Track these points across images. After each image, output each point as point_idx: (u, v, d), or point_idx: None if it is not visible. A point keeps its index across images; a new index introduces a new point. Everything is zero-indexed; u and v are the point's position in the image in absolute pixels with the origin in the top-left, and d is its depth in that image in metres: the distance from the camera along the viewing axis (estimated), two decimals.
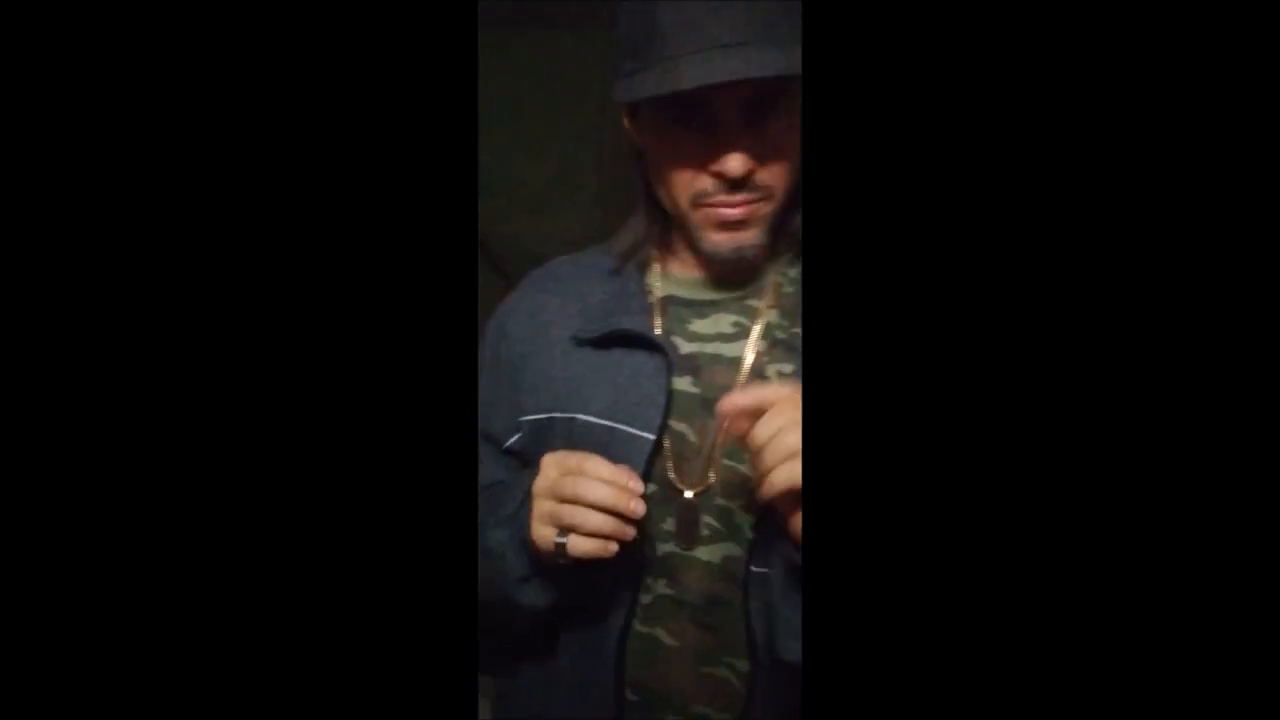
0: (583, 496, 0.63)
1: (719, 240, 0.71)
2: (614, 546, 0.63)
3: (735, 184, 0.68)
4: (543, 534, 0.65)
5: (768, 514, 0.67)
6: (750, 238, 0.71)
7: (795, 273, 0.75)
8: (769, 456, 0.60)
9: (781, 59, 0.64)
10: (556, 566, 0.67)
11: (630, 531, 0.64)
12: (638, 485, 0.63)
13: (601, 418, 0.71)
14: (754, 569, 0.69)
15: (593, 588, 0.71)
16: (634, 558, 0.69)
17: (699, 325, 0.74)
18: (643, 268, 0.77)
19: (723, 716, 0.71)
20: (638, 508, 0.63)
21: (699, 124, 0.67)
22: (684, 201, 0.71)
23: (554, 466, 0.66)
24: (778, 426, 0.60)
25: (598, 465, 0.64)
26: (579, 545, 0.63)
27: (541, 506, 0.66)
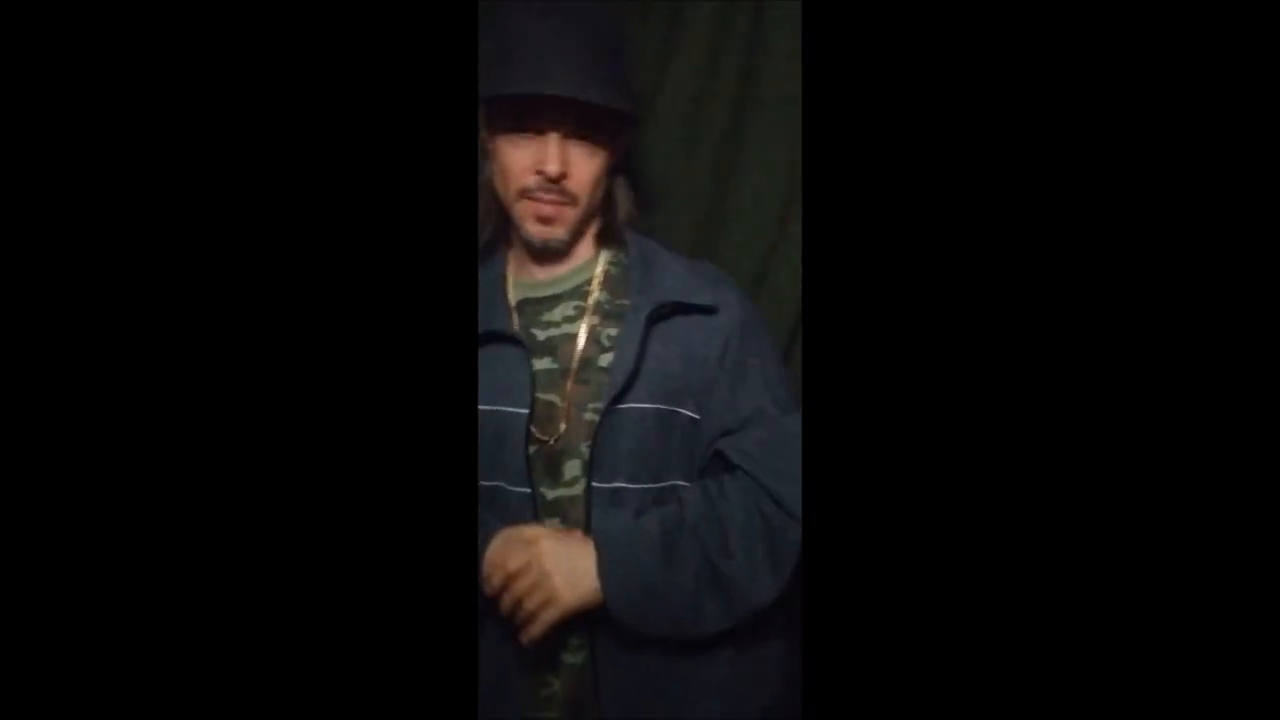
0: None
1: (534, 230, 0.93)
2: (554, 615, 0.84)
3: (551, 183, 0.90)
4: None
5: (599, 442, 0.89)
6: (557, 233, 0.93)
7: (617, 259, 0.98)
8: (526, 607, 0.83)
9: (601, 94, 0.87)
10: None
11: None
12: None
13: (489, 404, 0.92)
14: (595, 485, 0.90)
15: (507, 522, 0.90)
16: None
17: (548, 315, 0.96)
18: (501, 280, 0.99)
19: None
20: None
21: (533, 132, 0.90)
22: (513, 193, 0.92)
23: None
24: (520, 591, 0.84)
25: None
26: (534, 633, 0.85)
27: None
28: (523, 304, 0.96)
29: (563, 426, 0.91)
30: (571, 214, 0.92)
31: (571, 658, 0.90)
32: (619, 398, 0.89)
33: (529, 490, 0.89)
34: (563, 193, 0.91)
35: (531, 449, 0.91)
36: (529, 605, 0.83)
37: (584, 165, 0.91)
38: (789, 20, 1.08)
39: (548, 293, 0.96)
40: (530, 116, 0.89)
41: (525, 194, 0.91)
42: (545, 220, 0.92)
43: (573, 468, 0.91)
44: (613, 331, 0.93)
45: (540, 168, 0.89)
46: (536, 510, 0.89)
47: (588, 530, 0.88)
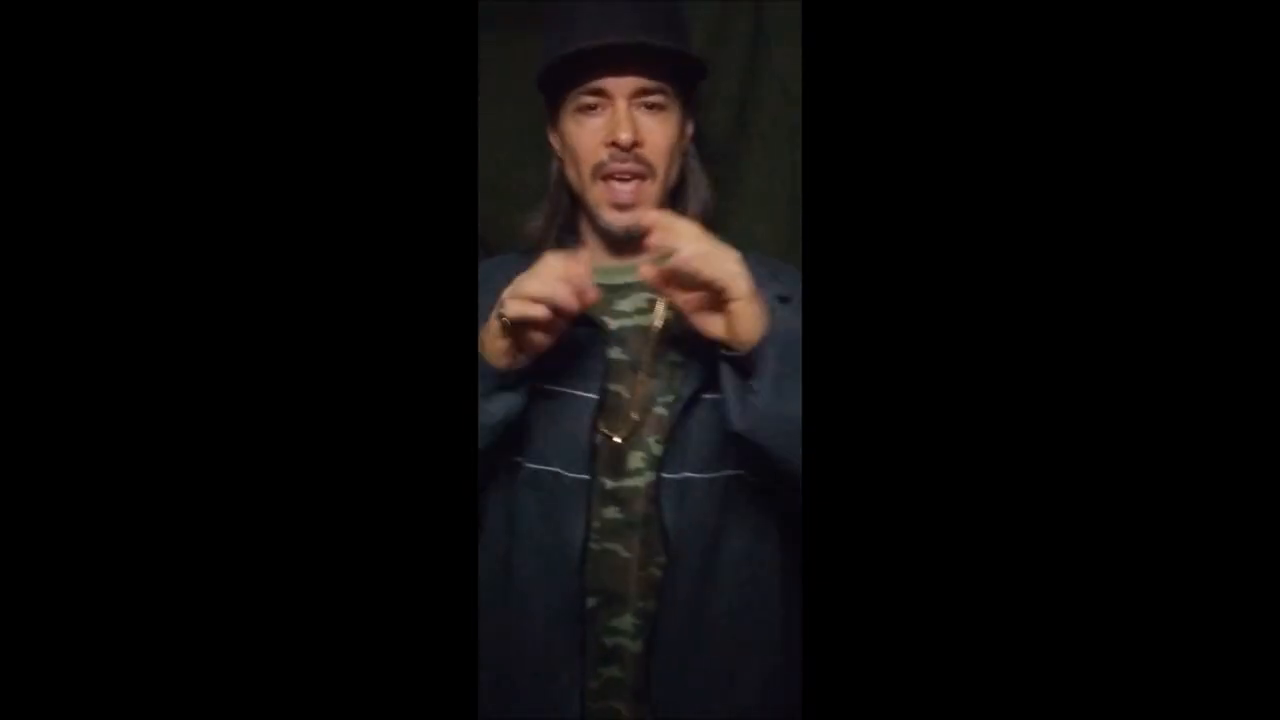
0: (523, 292, 0.78)
1: (612, 218, 0.89)
2: (539, 309, 0.76)
3: (625, 153, 0.86)
4: (492, 325, 0.80)
5: (675, 437, 0.86)
6: (635, 217, 0.87)
7: None
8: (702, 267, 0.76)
9: (666, 37, 0.84)
10: (510, 370, 0.82)
11: (563, 303, 0.77)
12: (577, 272, 0.78)
13: (553, 384, 0.87)
14: (665, 475, 0.86)
15: (554, 508, 0.87)
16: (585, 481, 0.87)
17: (621, 305, 0.92)
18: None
19: (649, 602, 0.89)
20: (569, 299, 0.77)
21: (600, 110, 0.87)
22: (587, 175, 0.88)
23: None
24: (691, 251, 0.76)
25: (548, 261, 0.79)
26: (511, 308, 0.77)
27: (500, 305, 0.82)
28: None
29: (635, 418, 0.88)
30: (650, 190, 0.88)
31: (630, 644, 0.88)
32: (698, 393, 0.86)
33: (588, 478, 0.86)
34: (639, 161, 0.87)
35: (597, 437, 0.87)
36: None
37: (657, 131, 0.87)
38: (789, 20, 1.08)
39: (620, 280, 0.92)
40: (593, 82, 0.85)
41: (600, 173, 0.87)
42: (623, 205, 0.88)
43: (635, 460, 0.88)
44: (686, 325, 0.87)
45: (612, 138, 0.85)
46: (591, 499, 0.87)
47: (657, 525, 0.86)
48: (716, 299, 0.78)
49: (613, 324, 0.91)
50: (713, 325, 0.80)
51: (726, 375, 0.81)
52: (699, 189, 0.95)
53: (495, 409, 0.83)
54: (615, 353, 0.90)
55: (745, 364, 0.79)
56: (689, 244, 0.76)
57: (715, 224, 0.93)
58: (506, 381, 0.83)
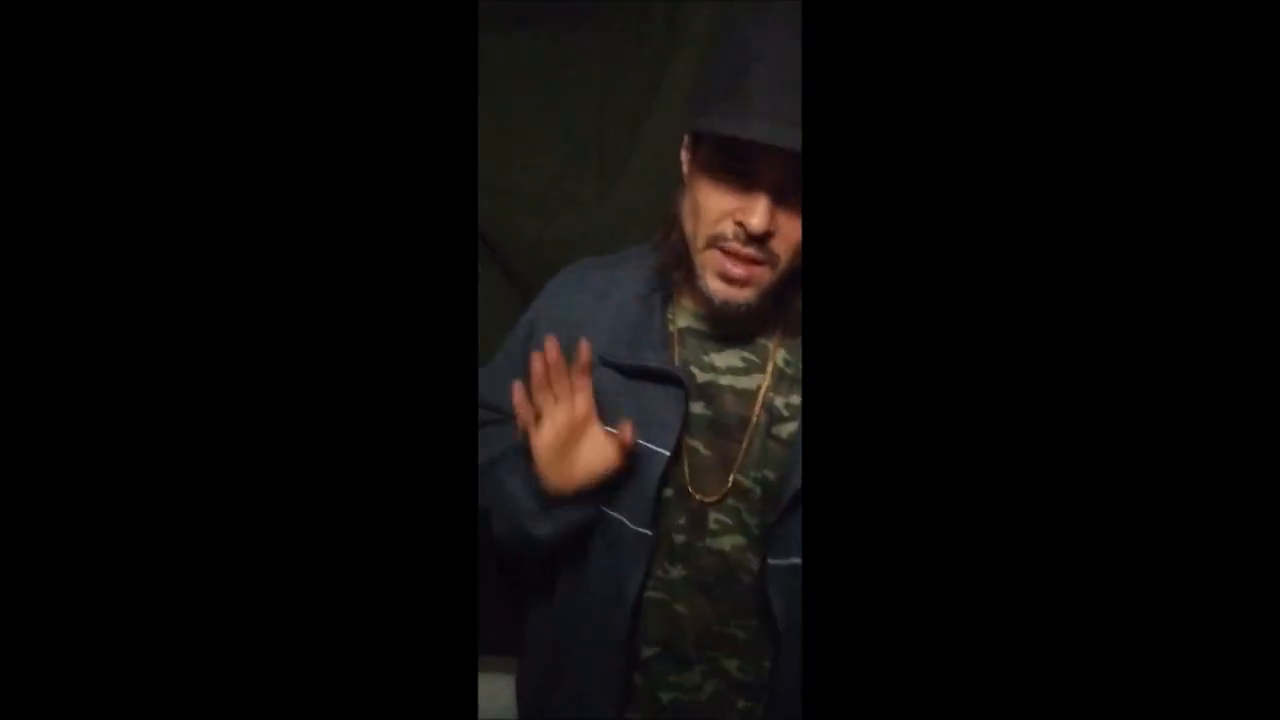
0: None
1: (717, 289, 0.80)
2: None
3: (751, 238, 0.77)
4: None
5: (775, 524, 0.81)
6: (745, 296, 0.80)
7: (795, 356, 0.86)
8: None
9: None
10: (562, 500, 0.82)
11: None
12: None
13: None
14: (771, 562, 0.81)
15: (615, 557, 0.85)
16: (645, 538, 0.84)
17: (714, 358, 0.85)
18: (667, 300, 0.87)
19: (731, 662, 0.86)
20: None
21: (744, 175, 0.77)
22: (702, 238, 0.80)
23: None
24: None
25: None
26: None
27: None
28: (686, 333, 0.86)
29: (727, 489, 0.83)
30: (767, 276, 0.79)
31: (691, 697, 0.86)
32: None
33: (650, 533, 0.82)
34: (763, 249, 0.78)
35: (668, 491, 0.84)
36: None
37: (791, 226, 0.77)
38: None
39: (721, 330, 0.85)
40: (741, 159, 0.76)
41: (716, 243, 0.78)
42: (733, 281, 0.79)
43: (712, 521, 0.84)
44: (796, 399, 0.84)
45: (741, 219, 0.76)
46: (655, 553, 0.84)
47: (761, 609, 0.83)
48: None
49: (700, 376, 0.85)
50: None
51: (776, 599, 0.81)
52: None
53: (538, 529, 0.84)
54: (699, 408, 0.84)
55: None
56: None
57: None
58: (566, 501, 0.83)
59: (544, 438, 0.80)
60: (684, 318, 0.87)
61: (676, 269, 0.86)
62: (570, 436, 0.81)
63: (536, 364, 0.79)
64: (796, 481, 0.80)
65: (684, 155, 0.84)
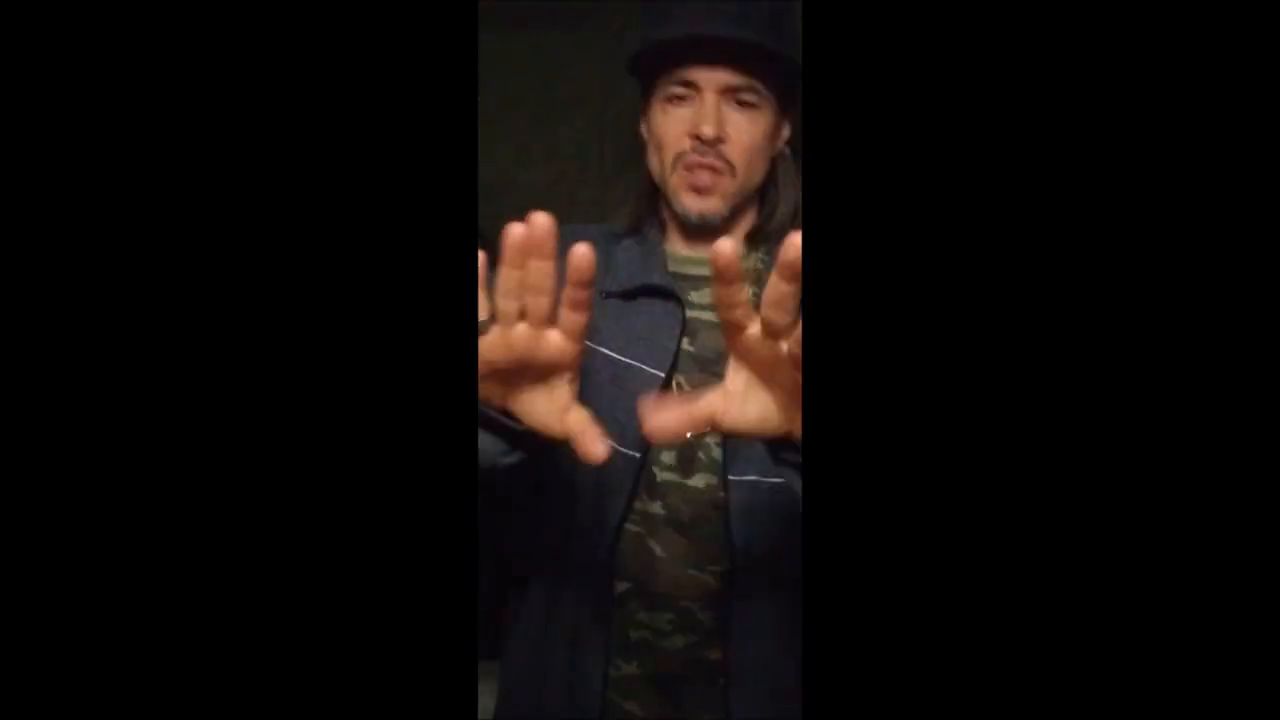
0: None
1: (689, 203, 0.87)
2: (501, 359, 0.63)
3: (707, 146, 0.84)
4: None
5: (737, 441, 0.83)
6: (711, 205, 0.87)
7: (770, 256, 0.91)
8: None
9: (760, 34, 0.81)
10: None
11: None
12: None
13: (620, 354, 0.86)
14: (731, 478, 0.83)
15: (602, 479, 0.84)
16: (628, 470, 0.84)
17: (695, 297, 0.90)
18: (659, 245, 0.93)
19: (706, 614, 0.86)
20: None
21: (687, 90, 0.85)
22: (669, 163, 0.87)
23: None
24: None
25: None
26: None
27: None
28: (674, 277, 0.91)
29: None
30: (729, 184, 0.86)
31: (663, 642, 0.86)
32: None
33: (638, 455, 0.83)
34: (719, 158, 0.85)
35: None
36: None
37: (743, 130, 0.85)
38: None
39: (695, 271, 0.91)
40: (684, 73, 0.84)
41: (680, 161, 0.86)
42: (700, 190, 0.86)
43: (701, 462, 0.86)
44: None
45: (695, 130, 0.84)
46: (637, 482, 0.84)
47: (721, 530, 0.84)
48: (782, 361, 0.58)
49: (686, 313, 0.89)
50: (772, 420, 0.61)
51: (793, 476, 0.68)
52: (789, 193, 0.91)
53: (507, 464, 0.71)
54: (684, 343, 0.88)
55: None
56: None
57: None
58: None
59: (490, 342, 0.60)
60: (672, 263, 0.93)
61: (654, 213, 0.93)
62: (524, 360, 0.61)
63: (513, 232, 0.58)
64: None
65: (640, 120, 0.92)
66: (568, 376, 0.62)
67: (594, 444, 0.60)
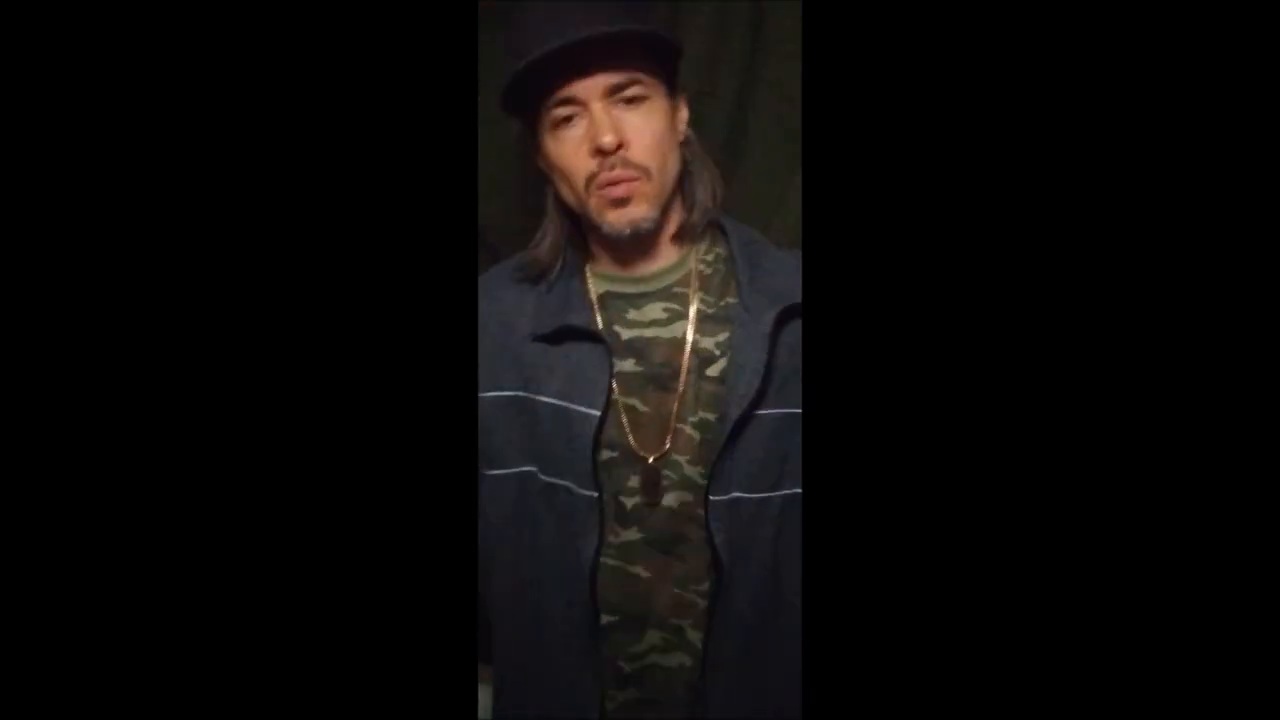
0: None
1: (613, 219, 0.82)
2: None
3: (612, 157, 0.80)
4: None
5: (719, 460, 0.82)
6: (640, 213, 0.82)
7: (710, 255, 0.89)
8: None
9: (624, 21, 0.77)
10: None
11: None
12: None
13: (556, 399, 0.85)
14: (712, 498, 0.83)
15: (569, 523, 0.85)
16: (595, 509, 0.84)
17: (635, 315, 0.87)
18: (579, 270, 0.90)
19: (696, 633, 0.86)
20: None
21: (577, 119, 0.81)
22: (581, 189, 0.82)
23: None
24: None
25: None
26: None
27: None
28: (606, 297, 0.88)
29: (668, 444, 0.84)
30: (648, 188, 0.82)
31: (661, 659, 0.86)
32: (751, 407, 0.81)
33: (596, 494, 0.83)
34: (628, 165, 0.80)
35: (606, 455, 0.85)
36: None
37: (642, 129, 0.81)
38: (789, 20, 1.08)
39: (634, 290, 0.88)
40: (560, 91, 0.79)
41: (592, 183, 0.81)
42: (622, 202, 0.81)
43: (667, 478, 0.85)
44: (722, 337, 0.85)
45: (595, 145, 0.79)
46: (603, 518, 0.84)
47: (706, 548, 0.84)
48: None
49: (625, 334, 0.87)
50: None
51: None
52: (704, 177, 0.88)
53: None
54: (629, 365, 0.86)
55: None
56: None
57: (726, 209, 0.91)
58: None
59: None
60: (601, 284, 0.89)
61: (575, 245, 0.90)
62: None
63: None
64: (733, 414, 0.81)
65: (535, 158, 0.88)
66: None
67: None
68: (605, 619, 0.87)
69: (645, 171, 0.82)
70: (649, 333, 0.87)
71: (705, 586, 0.86)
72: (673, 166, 0.85)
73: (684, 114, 0.87)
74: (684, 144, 0.87)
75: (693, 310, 0.86)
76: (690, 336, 0.85)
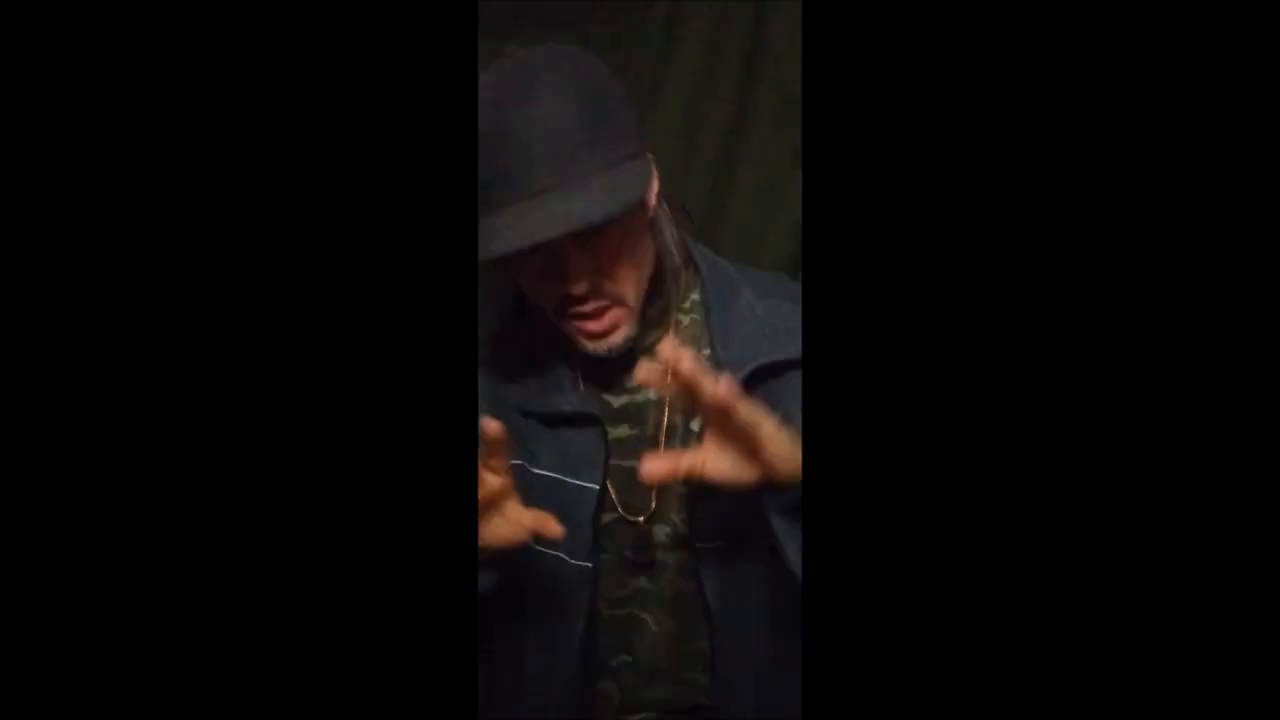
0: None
1: (592, 345, 0.80)
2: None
3: (583, 299, 0.77)
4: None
5: (698, 507, 0.83)
6: (617, 338, 0.80)
7: (688, 301, 0.87)
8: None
9: (582, 207, 0.72)
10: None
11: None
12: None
13: (551, 471, 0.84)
14: (699, 545, 0.83)
15: (559, 590, 0.84)
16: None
17: (625, 378, 0.85)
18: (568, 347, 0.85)
19: (705, 676, 0.86)
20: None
21: (539, 255, 0.76)
22: (552, 314, 0.81)
23: None
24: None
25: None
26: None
27: None
28: (592, 362, 0.84)
29: (653, 505, 0.84)
30: (625, 314, 0.79)
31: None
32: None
33: (590, 565, 0.82)
34: (603, 296, 0.77)
35: (606, 517, 0.85)
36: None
37: (616, 256, 0.76)
38: (789, 20, 1.08)
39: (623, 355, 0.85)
40: (529, 248, 0.72)
41: (565, 311, 0.78)
42: (597, 335, 0.79)
43: (661, 535, 0.85)
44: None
45: (564, 292, 0.76)
46: (602, 578, 0.84)
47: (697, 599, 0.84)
48: (743, 436, 0.70)
49: (615, 402, 0.86)
50: (744, 470, 0.72)
51: (779, 522, 0.75)
52: (671, 249, 0.84)
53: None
54: (623, 430, 0.85)
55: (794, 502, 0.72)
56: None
57: (689, 253, 0.86)
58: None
59: None
60: (584, 347, 0.85)
61: (557, 339, 0.85)
62: (485, 508, 0.74)
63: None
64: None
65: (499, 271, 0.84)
66: (511, 501, 0.75)
67: (549, 525, 0.74)
68: (618, 659, 0.87)
69: (621, 298, 0.78)
70: (639, 397, 0.85)
71: (705, 639, 0.86)
72: (647, 274, 0.81)
73: (655, 186, 0.80)
74: (653, 219, 0.82)
75: (665, 371, 0.81)
76: (668, 396, 0.83)
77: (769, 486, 0.73)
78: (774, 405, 0.76)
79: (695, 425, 0.84)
